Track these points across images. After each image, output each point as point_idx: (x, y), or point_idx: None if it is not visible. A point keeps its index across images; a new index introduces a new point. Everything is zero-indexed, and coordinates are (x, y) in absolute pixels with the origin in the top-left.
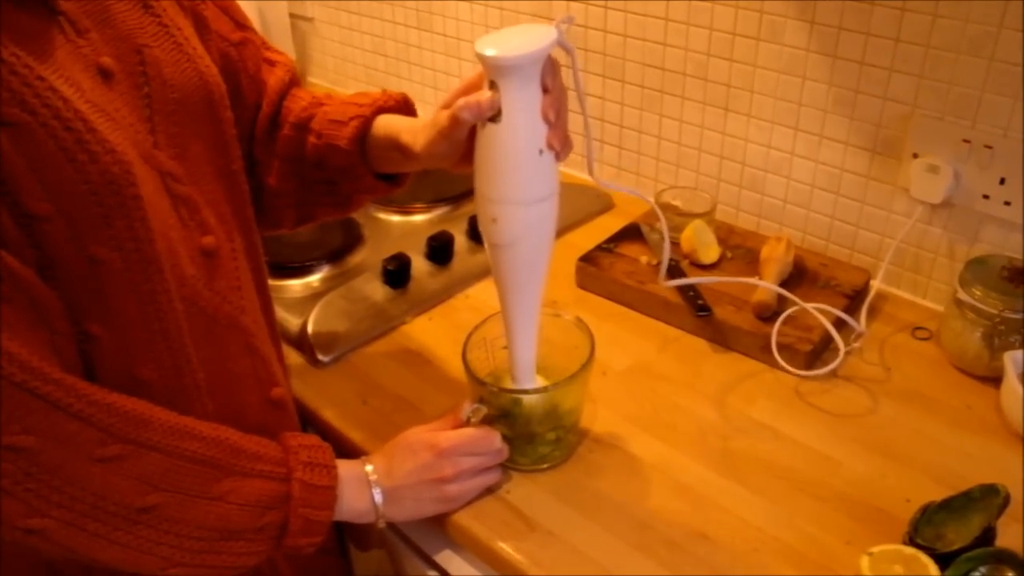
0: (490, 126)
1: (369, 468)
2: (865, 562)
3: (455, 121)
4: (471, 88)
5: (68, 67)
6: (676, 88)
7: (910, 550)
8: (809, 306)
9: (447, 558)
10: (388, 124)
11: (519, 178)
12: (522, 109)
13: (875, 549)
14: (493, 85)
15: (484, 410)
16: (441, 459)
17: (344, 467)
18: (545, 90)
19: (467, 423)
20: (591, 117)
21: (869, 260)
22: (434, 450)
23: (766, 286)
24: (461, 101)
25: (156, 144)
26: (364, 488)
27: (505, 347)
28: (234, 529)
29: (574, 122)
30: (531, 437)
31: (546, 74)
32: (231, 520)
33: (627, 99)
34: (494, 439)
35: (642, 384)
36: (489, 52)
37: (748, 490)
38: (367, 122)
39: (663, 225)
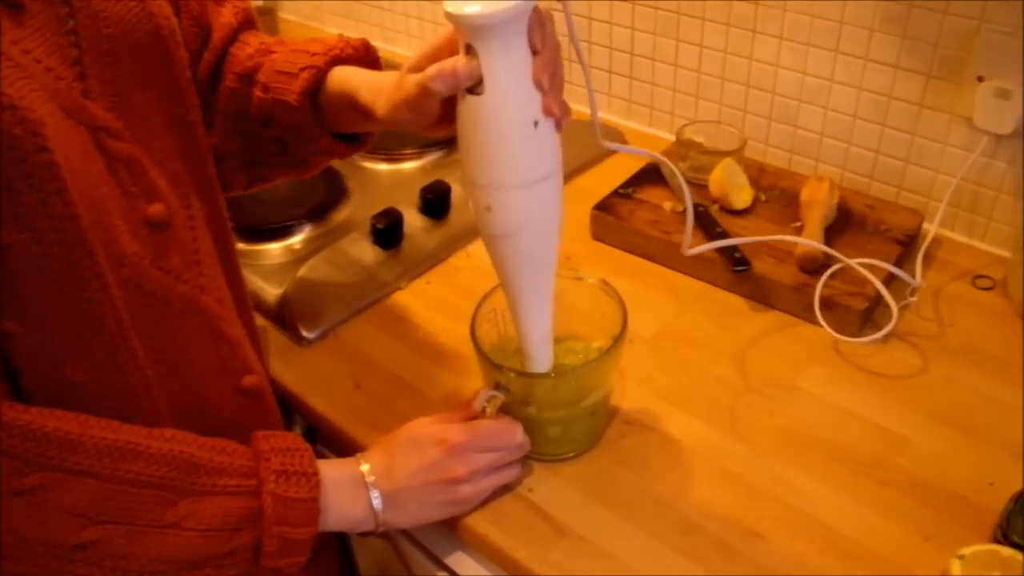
0: (471, 99)
1: (365, 467)
2: (956, 566)
3: (424, 91)
4: (441, 51)
5: None
6: (695, 9)
7: (1008, 551)
8: (856, 262)
9: (459, 560)
10: (345, 78)
11: (513, 158)
12: (508, 76)
13: (966, 550)
14: (470, 50)
15: (501, 398)
16: (452, 457)
17: (333, 468)
18: (534, 51)
19: (482, 413)
20: (592, 53)
21: (919, 199)
22: (443, 446)
23: (808, 243)
24: (432, 69)
25: (87, 92)
26: (359, 492)
27: None
28: (197, 558)
29: (572, 73)
30: (556, 423)
31: (534, 30)
32: (192, 549)
33: (639, 23)
34: (514, 432)
35: (674, 352)
36: (464, 10)
37: (805, 476)
38: (320, 74)
39: (686, 192)
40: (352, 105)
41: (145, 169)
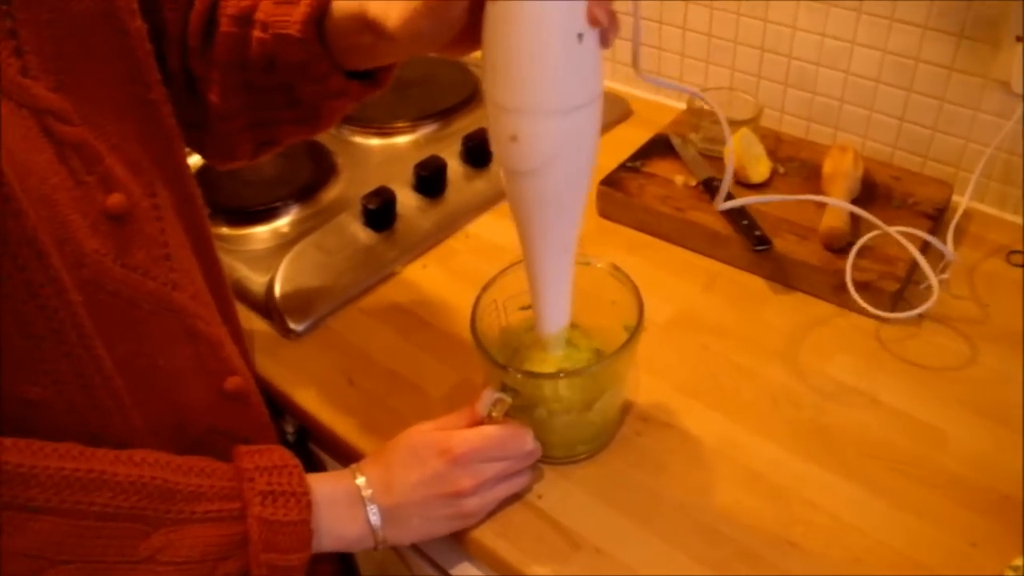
0: (504, 2)
1: (361, 480)
2: None
3: None
4: None
5: None
6: None
7: None
8: (894, 230)
9: (465, 570)
10: None
11: (551, 77)
12: None
13: (1019, 561)
14: None
15: (508, 401)
16: (457, 468)
17: (326, 484)
18: None
19: (488, 418)
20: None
21: (947, 170)
22: (447, 456)
23: (843, 206)
24: None
25: (26, 70)
26: (356, 508)
27: (524, 308)
28: None
29: None
30: (568, 425)
31: None
32: None
33: None
34: (524, 440)
35: (691, 339)
36: None
37: (838, 476)
38: None
39: (726, 129)
40: (362, 24)
41: (100, 156)
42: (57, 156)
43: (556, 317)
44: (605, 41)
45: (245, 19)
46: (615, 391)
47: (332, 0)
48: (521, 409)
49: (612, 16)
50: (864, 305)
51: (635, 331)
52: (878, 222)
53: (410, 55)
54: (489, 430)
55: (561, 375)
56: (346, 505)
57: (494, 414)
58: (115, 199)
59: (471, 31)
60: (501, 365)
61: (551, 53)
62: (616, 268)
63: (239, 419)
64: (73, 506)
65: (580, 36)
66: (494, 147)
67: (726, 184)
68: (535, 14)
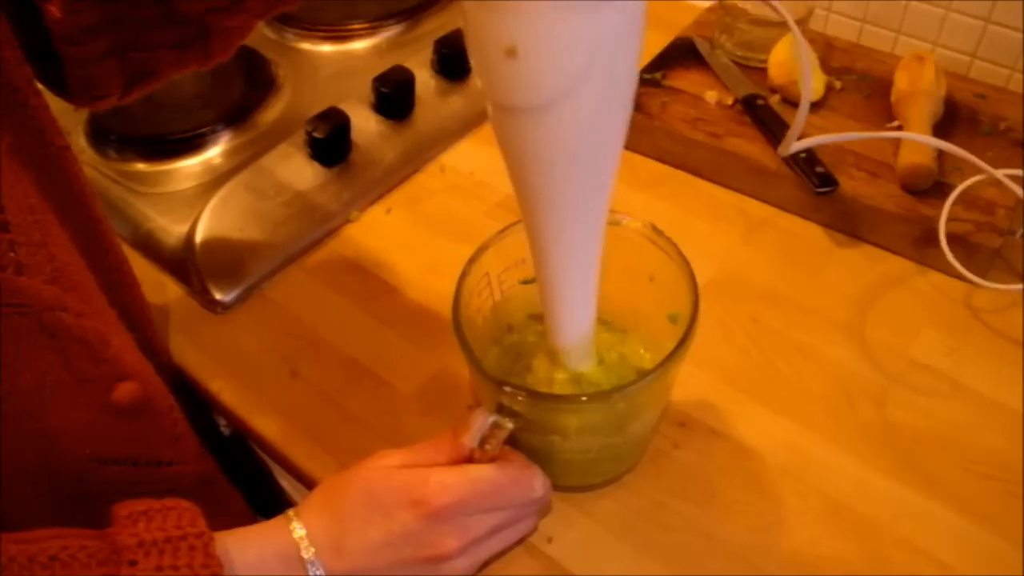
0: None
1: (301, 534)
2: None
3: None
4: None
5: None
6: None
7: None
8: (1004, 173)
9: None
10: None
11: None
12: None
13: None
14: None
15: (508, 427)
16: (436, 524)
17: (250, 546)
18: None
19: (479, 451)
20: None
21: None
22: (421, 509)
23: (934, 143)
24: None
25: None
26: (293, 572)
27: (526, 281)
28: None
29: None
30: (586, 457)
31: None
32: None
33: None
34: (529, 485)
35: (737, 309)
36: None
37: (942, 504)
38: None
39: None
40: None
41: None
42: None
43: (576, 323)
44: None
45: None
46: (656, 409)
47: None
48: (526, 432)
49: None
50: (957, 265)
51: (688, 330)
52: (984, 164)
53: None
54: (480, 472)
55: (584, 399)
56: (280, 571)
57: (487, 447)
58: None
59: None
60: (497, 381)
61: None
62: (656, 231)
63: (138, 438)
64: None
65: None
66: (478, 73)
67: (800, 118)
68: None
